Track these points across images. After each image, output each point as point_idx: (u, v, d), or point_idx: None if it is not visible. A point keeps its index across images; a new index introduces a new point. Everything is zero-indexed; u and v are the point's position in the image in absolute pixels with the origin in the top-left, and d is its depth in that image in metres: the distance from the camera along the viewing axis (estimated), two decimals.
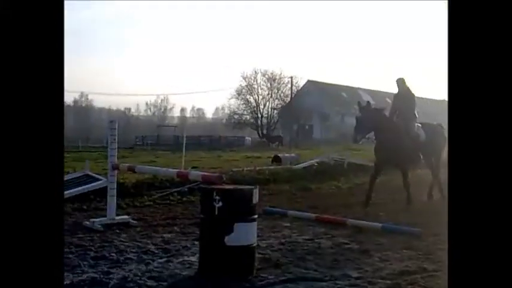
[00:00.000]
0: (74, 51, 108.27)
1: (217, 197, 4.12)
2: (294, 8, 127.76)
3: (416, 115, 8.81)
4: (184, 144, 13.53)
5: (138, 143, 52.72)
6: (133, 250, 5.22)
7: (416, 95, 8.99)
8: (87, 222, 6.41)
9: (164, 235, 5.95)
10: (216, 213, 4.14)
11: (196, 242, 5.12)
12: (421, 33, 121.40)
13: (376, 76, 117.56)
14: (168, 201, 8.74)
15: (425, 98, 46.27)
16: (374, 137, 8.72)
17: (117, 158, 6.81)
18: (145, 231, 6.15)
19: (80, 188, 8.65)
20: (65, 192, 8.42)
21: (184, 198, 9.03)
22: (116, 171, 6.77)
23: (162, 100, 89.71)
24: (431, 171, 9.19)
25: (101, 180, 8.83)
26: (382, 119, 8.45)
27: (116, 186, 6.66)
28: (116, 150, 6.71)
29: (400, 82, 8.79)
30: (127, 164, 7.66)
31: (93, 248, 5.25)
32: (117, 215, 6.66)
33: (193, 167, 14.07)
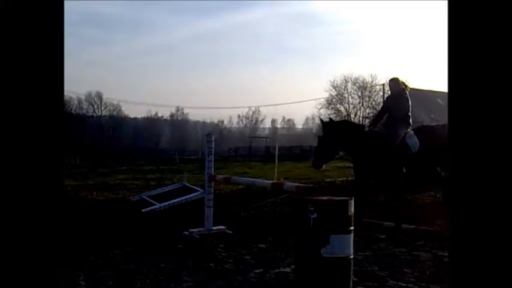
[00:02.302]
0: (170, 67, 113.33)
1: (312, 208, 4.12)
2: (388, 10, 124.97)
3: (410, 121, 7.64)
4: (276, 155, 13.66)
5: (231, 154, 53.93)
6: (230, 260, 5.34)
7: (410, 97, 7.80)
8: (186, 232, 6.65)
9: (259, 245, 6.03)
10: (311, 224, 4.14)
11: (291, 253, 5.15)
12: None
13: None
14: (263, 212, 8.85)
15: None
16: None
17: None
18: (241, 241, 6.27)
19: (178, 199, 9.02)
20: (165, 203, 8.85)
21: (278, 209, 9.09)
22: (213, 182, 6.99)
23: (253, 112, 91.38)
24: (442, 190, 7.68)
25: (198, 191, 9.15)
26: (353, 132, 7.37)
27: (212, 197, 6.87)
28: (213, 162, 6.93)
29: (393, 83, 7.75)
30: (223, 176, 7.87)
31: (191, 258, 5.44)
32: (214, 225, 6.86)
33: (285, 178, 14.16)
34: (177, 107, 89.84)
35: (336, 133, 7.17)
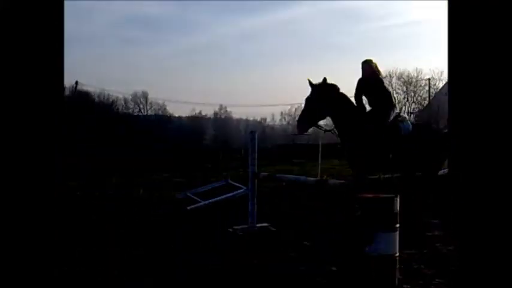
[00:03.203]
0: (214, 66, 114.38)
1: (357, 206, 4.09)
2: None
3: (396, 105, 7.00)
4: (320, 153, 13.59)
5: (274, 151, 53.88)
6: (275, 257, 5.36)
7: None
8: (230, 229, 6.72)
9: (304, 242, 6.02)
10: (356, 222, 4.11)
11: (336, 251, 5.13)
12: None
13: None
14: (307, 209, 8.82)
15: None
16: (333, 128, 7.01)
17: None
18: (285, 239, 6.28)
19: (222, 197, 9.12)
20: (209, 201, 8.96)
21: (322, 206, 9.04)
22: (256, 180, 7.03)
23: (296, 109, 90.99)
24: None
25: (242, 188, 9.22)
26: (343, 97, 6.75)
27: (256, 194, 6.91)
28: (256, 159, 6.98)
29: (366, 65, 6.99)
30: (266, 173, 7.90)
31: (235, 255, 5.48)
32: (258, 222, 6.90)
33: (329, 175, 14.07)
34: (220, 105, 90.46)
35: (325, 96, 6.65)
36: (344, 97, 6.81)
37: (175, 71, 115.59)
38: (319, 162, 13.29)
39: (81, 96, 51.84)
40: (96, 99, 59.26)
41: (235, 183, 10.07)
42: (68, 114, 45.97)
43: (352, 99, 6.90)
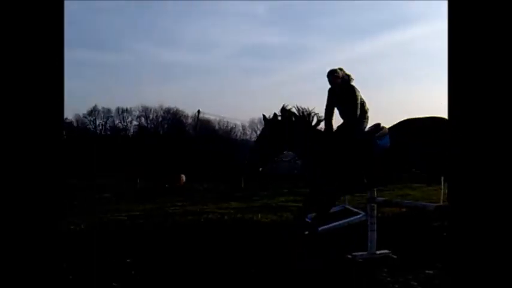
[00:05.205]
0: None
1: None
2: None
3: (367, 114, 6.30)
4: (442, 177, 12.98)
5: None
6: (396, 286, 5.23)
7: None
8: (349, 256, 6.65)
9: (426, 271, 5.80)
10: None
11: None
12: None
13: None
14: (428, 236, 8.46)
15: None
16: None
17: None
18: (407, 266, 6.08)
19: (340, 222, 9.04)
20: (326, 227, 8.92)
21: (445, 233, 8.61)
22: (375, 205, 6.93)
23: None
24: None
25: (360, 214, 9.08)
26: (303, 128, 6.19)
27: (375, 220, 6.79)
28: None
29: (332, 75, 6.38)
30: (383, 198, 7.75)
31: (355, 282, 5.42)
32: (378, 249, 6.76)
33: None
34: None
35: (279, 130, 6.26)
36: (304, 127, 6.31)
37: (292, 96, 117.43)
38: (442, 186, 12.66)
39: (203, 124, 54.57)
40: (217, 126, 62.08)
41: (353, 208, 9.93)
42: (194, 142, 48.51)
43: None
